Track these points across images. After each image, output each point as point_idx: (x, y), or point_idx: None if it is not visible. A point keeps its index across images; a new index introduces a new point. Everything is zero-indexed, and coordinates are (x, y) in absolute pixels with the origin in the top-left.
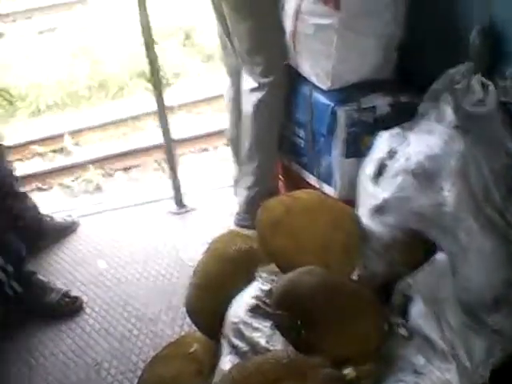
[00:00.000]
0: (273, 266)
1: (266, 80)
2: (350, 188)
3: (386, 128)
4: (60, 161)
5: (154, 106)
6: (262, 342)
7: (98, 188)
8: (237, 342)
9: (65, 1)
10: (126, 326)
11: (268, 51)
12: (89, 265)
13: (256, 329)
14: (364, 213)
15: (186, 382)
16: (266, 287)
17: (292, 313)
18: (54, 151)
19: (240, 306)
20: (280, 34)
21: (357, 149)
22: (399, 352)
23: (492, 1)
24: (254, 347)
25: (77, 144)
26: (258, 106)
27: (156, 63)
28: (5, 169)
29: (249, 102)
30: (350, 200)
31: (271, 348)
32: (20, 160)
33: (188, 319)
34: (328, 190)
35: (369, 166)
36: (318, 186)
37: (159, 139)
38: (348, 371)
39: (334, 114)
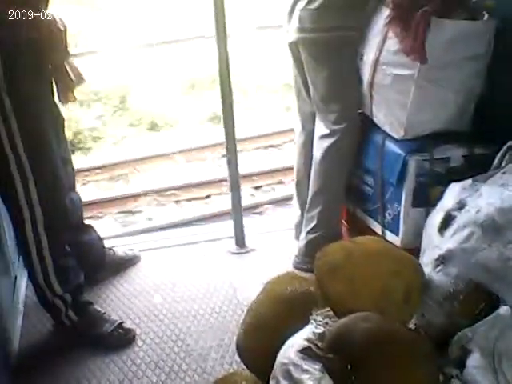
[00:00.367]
0: (328, 310)
1: (338, 127)
2: (414, 237)
3: (459, 179)
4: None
5: None
6: None
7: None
8: (285, 383)
9: None
10: (175, 361)
11: (343, 100)
12: (145, 298)
13: (305, 371)
14: (427, 262)
15: None
16: (320, 330)
17: (343, 357)
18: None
19: (291, 348)
20: (356, 83)
21: (424, 198)
22: None
23: None
24: None
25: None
26: (328, 152)
27: None
28: (78, 199)
29: (319, 149)
30: (413, 249)
31: None
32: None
33: (237, 357)
34: (391, 238)
35: (437, 216)
36: (381, 234)
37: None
38: None
39: (404, 163)
